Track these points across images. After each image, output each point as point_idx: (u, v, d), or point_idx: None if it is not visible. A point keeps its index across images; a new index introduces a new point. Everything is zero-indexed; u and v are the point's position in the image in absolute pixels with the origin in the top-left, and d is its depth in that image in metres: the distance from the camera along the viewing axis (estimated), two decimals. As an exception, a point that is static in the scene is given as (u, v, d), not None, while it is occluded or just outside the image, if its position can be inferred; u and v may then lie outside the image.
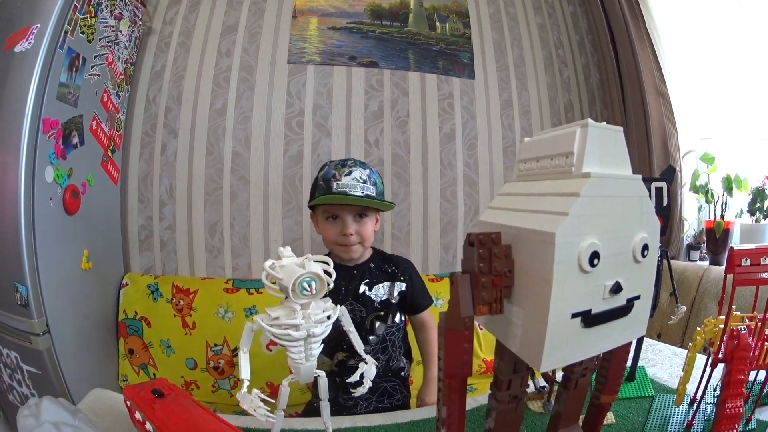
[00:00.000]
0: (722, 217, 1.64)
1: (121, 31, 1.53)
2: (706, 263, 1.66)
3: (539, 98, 2.01)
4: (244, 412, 0.53)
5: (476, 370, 1.62)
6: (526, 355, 0.34)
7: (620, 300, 0.35)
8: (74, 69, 1.30)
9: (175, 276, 1.69)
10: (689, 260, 1.79)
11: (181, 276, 1.71)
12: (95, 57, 1.41)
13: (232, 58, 1.78)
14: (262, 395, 0.53)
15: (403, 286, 1.10)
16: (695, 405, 0.63)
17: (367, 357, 0.63)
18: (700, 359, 0.63)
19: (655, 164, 1.79)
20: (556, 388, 0.57)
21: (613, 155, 0.35)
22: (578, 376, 0.43)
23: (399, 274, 1.11)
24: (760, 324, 0.56)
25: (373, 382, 0.61)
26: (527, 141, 0.42)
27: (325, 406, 0.59)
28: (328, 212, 1.04)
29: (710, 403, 0.64)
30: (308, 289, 0.51)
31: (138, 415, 0.58)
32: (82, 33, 1.32)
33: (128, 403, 0.61)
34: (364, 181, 1.01)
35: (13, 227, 1.11)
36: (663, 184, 0.71)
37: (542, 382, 0.72)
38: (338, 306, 0.57)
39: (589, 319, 0.33)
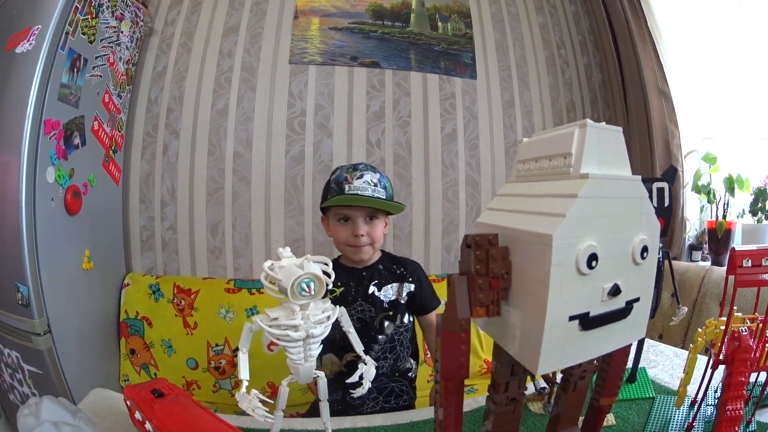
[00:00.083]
0: (724, 217, 1.63)
1: (122, 32, 1.54)
2: (708, 264, 1.65)
3: (541, 98, 2.01)
4: (244, 413, 0.53)
5: (477, 371, 1.62)
6: (523, 358, 0.34)
7: (619, 302, 0.35)
8: (75, 70, 1.31)
9: (176, 276, 1.70)
10: (691, 261, 1.79)
11: (182, 276, 1.71)
12: (96, 58, 1.41)
13: (233, 58, 1.79)
14: (261, 396, 0.53)
15: (412, 287, 1.13)
16: (696, 407, 0.63)
17: (367, 357, 0.63)
18: (701, 361, 0.63)
19: (657, 164, 1.79)
20: (556, 389, 0.57)
21: (613, 156, 0.35)
22: (577, 379, 0.43)
23: (407, 275, 1.14)
24: (761, 326, 0.55)
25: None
26: (526, 141, 0.42)
27: (324, 407, 0.59)
28: (340, 214, 1.08)
29: (711, 404, 0.64)
30: (307, 290, 0.52)
31: (138, 415, 0.58)
32: (84, 34, 1.33)
33: (128, 402, 0.61)
34: (375, 185, 1.06)
35: (14, 227, 1.12)
36: (664, 185, 0.71)
37: (542, 384, 0.72)
38: (337, 306, 0.58)
39: (587, 322, 0.33)
